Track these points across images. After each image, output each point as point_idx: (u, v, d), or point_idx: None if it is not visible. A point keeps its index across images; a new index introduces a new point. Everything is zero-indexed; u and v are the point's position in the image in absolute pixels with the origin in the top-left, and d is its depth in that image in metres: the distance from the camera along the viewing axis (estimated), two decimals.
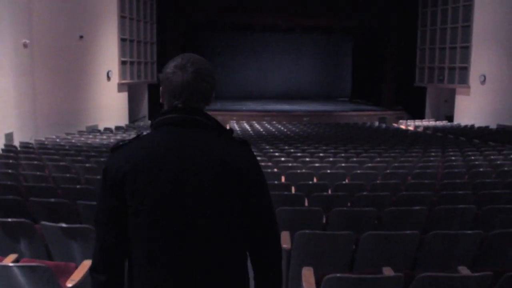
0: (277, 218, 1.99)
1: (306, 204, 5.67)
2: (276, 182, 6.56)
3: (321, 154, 9.83)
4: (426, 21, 21.22)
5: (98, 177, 6.13)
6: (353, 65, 27.91)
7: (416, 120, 20.09)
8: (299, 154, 9.82)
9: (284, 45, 27.73)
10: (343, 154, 9.87)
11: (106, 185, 1.77)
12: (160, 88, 1.92)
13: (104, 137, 13.07)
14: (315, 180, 7.35)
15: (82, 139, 12.46)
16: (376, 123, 19.32)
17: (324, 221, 4.94)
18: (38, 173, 6.96)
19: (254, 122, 18.39)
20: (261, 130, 15.81)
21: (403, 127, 18.85)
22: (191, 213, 1.73)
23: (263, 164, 8.20)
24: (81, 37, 16.10)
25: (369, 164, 8.48)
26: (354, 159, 9.17)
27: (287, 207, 4.86)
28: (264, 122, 18.47)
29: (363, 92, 26.46)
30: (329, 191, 6.45)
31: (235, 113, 20.59)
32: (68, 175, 6.82)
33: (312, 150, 10.52)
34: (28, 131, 13.91)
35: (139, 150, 1.77)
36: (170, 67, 1.87)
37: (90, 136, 13.17)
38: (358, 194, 5.93)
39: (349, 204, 5.74)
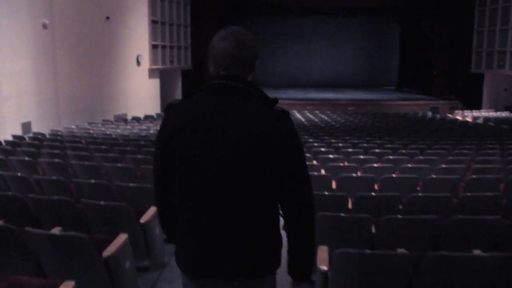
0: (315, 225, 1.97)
1: (350, 205, 4.57)
2: (326, 193, 4.78)
3: (376, 150, 7.96)
4: (486, 0, 18.80)
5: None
6: (400, 50, 25.49)
7: (473, 111, 17.83)
8: (350, 150, 7.98)
9: (326, 29, 25.42)
10: (403, 151, 7.98)
11: (160, 137, 1.95)
12: (209, 60, 1.96)
13: (128, 127, 11.53)
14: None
15: (108, 129, 10.95)
16: (429, 114, 17.17)
17: (373, 230, 3.85)
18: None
19: (295, 111, 16.55)
20: (303, 120, 13.99)
21: (459, 118, 16.65)
22: (227, 171, 1.84)
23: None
24: (108, 18, 14.60)
25: (444, 165, 6.57)
26: (420, 157, 7.28)
27: (328, 213, 3.77)
28: (306, 112, 16.61)
29: (412, 80, 24.14)
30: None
31: None
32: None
33: (365, 145, 8.66)
34: (48, 120, 12.52)
35: (186, 111, 1.91)
36: (215, 38, 1.94)
37: (113, 126, 11.64)
38: (411, 195, 4.64)
39: (400, 207, 4.60)
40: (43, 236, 3.14)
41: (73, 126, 11.42)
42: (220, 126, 1.83)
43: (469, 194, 4.55)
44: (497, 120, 14.87)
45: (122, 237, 3.37)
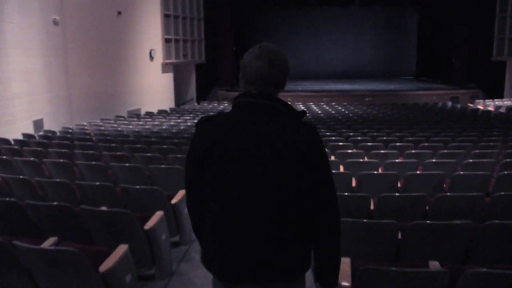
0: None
1: (372, 207, 4.16)
2: (347, 193, 4.41)
3: (397, 144, 7.53)
4: None
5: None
6: (418, 39, 24.82)
7: (495, 100, 17.20)
8: (369, 144, 7.57)
9: (342, 19, 24.79)
10: (426, 144, 7.54)
11: (192, 152, 2.04)
12: (239, 74, 2.04)
13: (141, 122, 11.24)
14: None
15: (120, 125, 10.67)
16: (449, 103, 16.60)
17: (399, 236, 3.45)
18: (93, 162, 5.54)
19: (311, 103, 16.15)
20: (319, 112, 13.58)
21: (480, 107, 16.06)
22: (261, 182, 1.92)
23: None
24: (119, 13, 14.30)
25: (471, 160, 6.13)
26: (445, 150, 6.85)
27: (349, 219, 3.39)
28: (322, 103, 16.18)
29: (430, 69, 23.50)
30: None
31: (290, 93, 18.35)
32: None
33: (385, 138, 8.23)
34: (61, 117, 12.31)
35: (219, 127, 1.99)
36: (247, 55, 2.01)
37: (126, 122, 11.37)
38: (438, 194, 4.17)
39: (427, 207, 4.15)
40: (34, 251, 2.87)
41: (85, 123, 11.17)
42: (252, 142, 1.92)
43: (503, 193, 4.12)
44: None
45: (122, 249, 3.14)
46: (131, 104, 15.01)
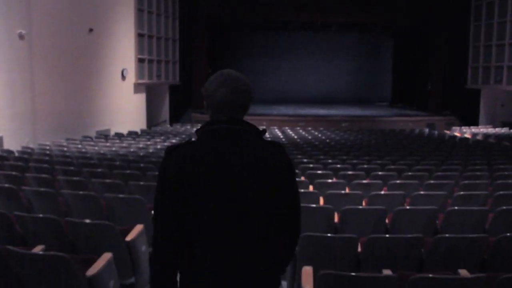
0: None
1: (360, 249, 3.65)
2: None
3: (379, 173, 6.98)
4: (481, 15, 18.04)
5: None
6: (393, 66, 24.69)
7: (471, 127, 16.97)
8: (350, 173, 7.00)
9: (319, 44, 24.41)
10: (409, 173, 7.01)
11: (165, 183, 1.93)
12: (204, 102, 2.05)
13: (108, 144, 10.49)
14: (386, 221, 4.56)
15: (85, 146, 9.90)
16: (426, 130, 16.28)
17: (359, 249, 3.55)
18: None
19: (286, 128, 15.60)
20: (295, 137, 13.02)
21: (458, 134, 15.78)
22: (240, 210, 1.93)
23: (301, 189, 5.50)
24: (91, 30, 13.62)
25: (462, 192, 5.59)
26: (431, 181, 6.31)
27: (313, 233, 3.51)
28: (298, 128, 15.65)
29: (406, 96, 23.32)
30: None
31: (265, 117, 17.81)
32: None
33: (365, 166, 7.68)
34: (23, 135, 11.47)
35: (193, 155, 1.94)
36: (212, 84, 2.00)
37: (92, 143, 10.60)
38: (437, 236, 3.69)
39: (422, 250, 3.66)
40: (25, 256, 3.02)
41: (48, 143, 10.37)
42: (229, 167, 1.93)
43: (508, 234, 3.56)
44: (498, 136, 14.01)
45: (107, 256, 3.28)
46: (101, 124, 14.24)
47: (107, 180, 5.65)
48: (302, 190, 5.39)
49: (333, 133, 14.19)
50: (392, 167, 7.59)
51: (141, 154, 8.93)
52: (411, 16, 20.08)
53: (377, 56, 25.19)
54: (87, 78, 13.69)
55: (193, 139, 2.05)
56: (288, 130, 14.71)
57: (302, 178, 6.58)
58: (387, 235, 3.79)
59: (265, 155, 1.96)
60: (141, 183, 5.58)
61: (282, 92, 23.98)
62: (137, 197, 4.70)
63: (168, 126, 16.52)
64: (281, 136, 13.07)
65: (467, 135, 15.36)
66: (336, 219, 4.50)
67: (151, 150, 9.54)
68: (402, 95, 23.66)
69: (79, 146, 9.88)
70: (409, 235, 3.53)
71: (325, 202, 5.18)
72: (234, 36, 23.47)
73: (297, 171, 7.16)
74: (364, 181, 6.27)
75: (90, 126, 13.77)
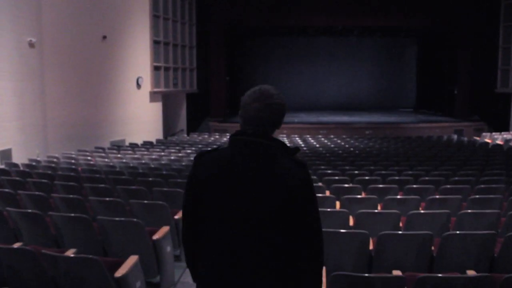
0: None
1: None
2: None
3: (414, 186, 6.15)
4: (511, 15, 17.05)
5: None
6: (417, 70, 23.66)
7: (503, 133, 15.92)
8: (380, 186, 6.19)
9: (340, 49, 23.54)
10: (448, 186, 6.16)
11: (190, 185, 2.10)
12: (239, 112, 2.07)
13: (120, 155, 9.85)
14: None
15: (95, 158, 9.28)
16: (454, 137, 15.32)
17: None
18: None
19: (307, 136, 14.82)
20: (317, 146, 12.23)
21: (488, 140, 14.78)
22: (249, 218, 1.97)
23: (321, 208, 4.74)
24: (105, 37, 13.11)
25: None
26: (477, 196, 5.46)
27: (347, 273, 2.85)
28: (320, 136, 14.85)
29: (430, 101, 22.29)
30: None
31: (286, 125, 17.03)
32: None
33: (397, 178, 6.85)
34: (33, 147, 10.92)
35: (217, 162, 2.05)
36: (247, 97, 2.04)
37: (103, 155, 9.98)
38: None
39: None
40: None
41: (57, 155, 9.79)
42: (245, 178, 1.97)
43: None
44: None
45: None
46: (115, 134, 13.68)
47: (107, 198, 4.95)
48: (329, 209, 4.63)
49: (357, 141, 13.34)
50: (427, 178, 6.75)
51: (152, 165, 8.25)
52: (435, 18, 19.13)
53: (400, 60, 24.18)
54: (100, 87, 13.15)
55: (222, 146, 2.12)
56: (310, 139, 13.93)
57: (327, 193, 5.81)
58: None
59: (284, 171, 1.96)
60: (145, 201, 4.88)
61: (302, 99, 23.15)
62: (132, 220, 4.00)
63: (185, 135, 15.87)
64: (303, 145, 12.29)
65: (499, 142, 14.38)
66: (371, 246, 3.71)
67: (163, 162, 8.86)
68: (427, 100, 22.63)
69: (89, 158, 9.26)
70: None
71: (355, 223, 4.39)
72: (253, 42, 22.75)
73: (320, 184, 6.39)
74: (398, 197, 5.45)
75: (104, 136, 13.22)
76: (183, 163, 8.71)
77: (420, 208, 5.10)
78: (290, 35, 22.09)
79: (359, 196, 5.45)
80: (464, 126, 18.09)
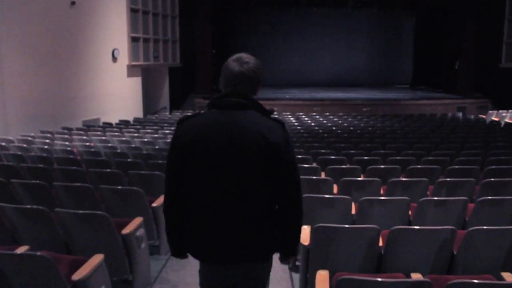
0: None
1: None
2: None
3: (448, 180, 4.74)
4: None
5: None
6: (415, 44, 22.06)
7: (510, 110, 14.58)
8: (403, 180, 4.77)
9: (334, 22, 21.70)
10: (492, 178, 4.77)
11: (174, 149, 2.20)
12: (220, 77, 2.24)
13: (85, 137, 8.33)
14: None
15: (53, 141, 7.77)
16: (459, 115, 13.98)
17: None
18: None
19: (301, 113, 13.36)
20: (313, 124, 10.79)
21: (495, 119, 13.48)
22: (235, 172, 2.11)
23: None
24: (73, 3, 11.42)
25: None
26: None
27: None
28: (314, 114, 13.39)
29: (429, 77, 20.86)
30: None
31: (277, 102, 15.53)
32: None
33: (419, 167, 5.44)
34: None
35: (200, 125, 2.17)
36: (230, 59, 2.23)
37: (66, 137, 8.46)
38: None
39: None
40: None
41: (11, 138, 8.26)
42: (228, 137, 2.10)
43: None
44: None
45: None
46: (88, 113, 12.11)
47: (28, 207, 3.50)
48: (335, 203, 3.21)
49: (356, 119, 11.92)
50: (456, 167, 5.34)
51: (119, 150, 6.77)
52: None
53: (397, 34, 22.53)
54: (70, 60, 11.51)
55: (202, 111, 2.23)
56: (304, 116, 12.48)
57: (335, 189, 4.41)
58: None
59: (266, 128, 2.11)
60: (119, 187, 3.46)
61: (294, 74, 21.55)
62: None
63: (167, 113, 14.33)
64: (296, 123, 10.84)
65: (508, 120, 13.08)
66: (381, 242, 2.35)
67: (134, 145, 7.37)
68: (425, 76, 21.17)
69: (47, 140, 7.74)
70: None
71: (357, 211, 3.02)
72: (241, 13, 21.00)
73: (323, 175, 4.99)
74: (440, 198, 4.04)
75: (75, 115, 11.65)
76: (157, 146, 7.25)
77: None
78: (282, 6, 20.31)
79: (378, 198, 4.02)
80: (467, 103, 16.73)
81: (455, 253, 2.96)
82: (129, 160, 5.82)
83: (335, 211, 3.63)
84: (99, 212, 3.33)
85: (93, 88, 12.24)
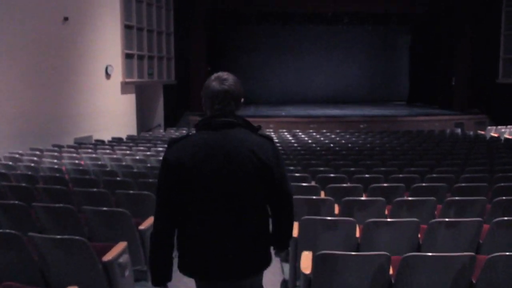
0: None
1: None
2: None
3: (456, 199, 4.44)
4: None
5: None
6: (411, 60, 21.94)
7: (509, 126, 14.37)
8: (409, 200, 4.46)
9: (330, 39, 21.56)
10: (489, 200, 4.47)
11: (166, 171, 2.17)
12: (202, 101, 2.27)
13: (75, 155, 8.00)
14: None
15: (41, 159, 7.44)
16: (458, 131, 13.73)
17: None
18: None
19: (297, 130, 13.08)
20: (310, 142, 10.49)
21: (494, 134, 13.23)
22: (230, 191, 2.15)
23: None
24: (66, 19, 11.20)
25: None
26: None
27: None
28: (311, 131, 13.11)
29: (425, 93, 20.69)
30: None
31: (272, 119, 15.29)
32: None
33: (424, 184, 5.14)
34: None
35: (192, 146, 2.17)
36: (209, 80, 2.26)
37: (55, 154, 8.13)
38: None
39: None
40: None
41: None
42: (221, 157, 2.13)
43: None
44: None
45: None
46: (80, 130, 11.79)
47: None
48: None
49: (353, 136, 11.64)
50: (463, 185, 5.04)
51: (108, 168, 6.45)
52: (432, 3, 17.51)
53: (393, 50, 22.40)
54: (62, 77, 11.22)
55: (191, 133, 2.23)
56: (300, 134, 12.19)
57: (337, 209, 4.10)
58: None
59: (257, 146, 2.16)
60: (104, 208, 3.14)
61: (290, 91, 21.33)
62: None
63: (162, 131, 14.02)
64: (293, 141, 10.55)
65: (507, 136, 12.84)
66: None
67: (124, 163, 7.05)
68: (421, 92, 21.00)
69: (34, 159, 7.41)
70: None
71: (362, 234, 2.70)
72: (236, 31, 20.86)
73: (323, 194, 4.68)
74: (452, 220, 3.73)
75: (67, 133, 11.32)
76: (149, 164, 6.93)
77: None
78: (276, 23, 20.11)
79: (383, 220, 3.72)
80: (464, 119, 16.52)
81: (473, 281, 2.64)
82: (118, 178, 5.50)
83: (338, 235, 3.32)
84: (77, 237, 3.03)
85: (85, 105, 11.94)
